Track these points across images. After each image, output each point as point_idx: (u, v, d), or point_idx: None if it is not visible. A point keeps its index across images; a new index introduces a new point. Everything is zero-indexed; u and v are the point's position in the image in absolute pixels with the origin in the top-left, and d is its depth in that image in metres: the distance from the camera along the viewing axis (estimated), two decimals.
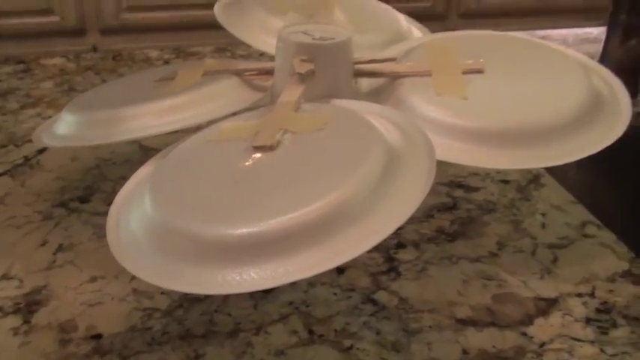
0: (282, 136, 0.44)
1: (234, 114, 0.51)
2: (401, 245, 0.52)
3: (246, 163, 0.42)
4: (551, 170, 0.63)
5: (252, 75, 0.56)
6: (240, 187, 0.41)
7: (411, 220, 0.56)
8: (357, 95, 0.53)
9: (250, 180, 0.41)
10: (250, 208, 0.39)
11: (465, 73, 0.52)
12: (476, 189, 0.60)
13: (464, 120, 0.48)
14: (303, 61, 0.49)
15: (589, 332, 0.44)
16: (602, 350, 0.42)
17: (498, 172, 0.63)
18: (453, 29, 0.64)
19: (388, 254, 0.51)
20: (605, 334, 0.44)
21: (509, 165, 0.49)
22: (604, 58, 0.80)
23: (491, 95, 0.50)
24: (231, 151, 0.44)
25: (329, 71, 0.50)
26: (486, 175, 0.62)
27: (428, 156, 0.41)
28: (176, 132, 0.52)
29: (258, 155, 0.43)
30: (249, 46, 0.63)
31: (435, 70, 0.52)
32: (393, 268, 0.50)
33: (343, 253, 0.36)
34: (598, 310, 0.46)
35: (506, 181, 0.62)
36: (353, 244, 0.36)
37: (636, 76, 0.81)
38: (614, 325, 0.44)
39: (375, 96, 0.53)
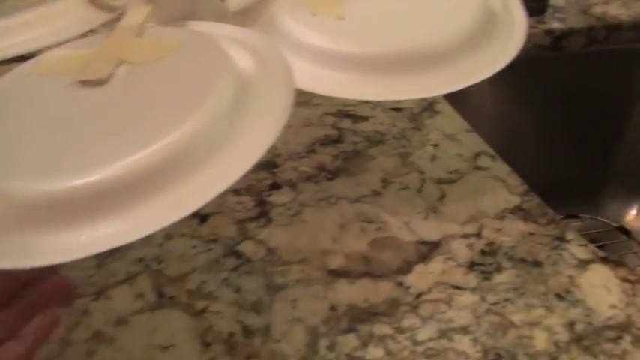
0: (116, 68, 0.37)
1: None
2: (275, 186, 0.47)
3: (70, 103, 0.35)
4: (448, 96, 0.58)
5: None
6: (60, 132, 0.34)
7: (290, 156, 0.51)
8: (224, 16, 0.46)
9: (73, 123, 0.34)
10: (71, 158, 0.32)
11: None
12: (364, 118, 0.55)
13: (339, 44, 0.41)
14: None
15: (471, 278, 0.40)
16: (482, 298, 0.39)
17: None
18: None
19: (260, 197, 0.46)
20: (488, 279, 0.40)
21: (385, 96, 0.44)
22: None
23: (373, 16, 0.44)
24: (54, 87, 0.37)
25: None
26: (377, 102, 0.57)
27: (284, 85, 0.35)
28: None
29: (85, 92, 0.36)
30: None
31: None
32: (263, 214, 0.44)
33: (188, 203, 0.30)
34: (483, 252, 0.42)
35: (398, 109, 0.56)
36: (199, 191, 0.31)
37: None
38: (498, 269, 0.41)
39: (243, 16, 0.46)
